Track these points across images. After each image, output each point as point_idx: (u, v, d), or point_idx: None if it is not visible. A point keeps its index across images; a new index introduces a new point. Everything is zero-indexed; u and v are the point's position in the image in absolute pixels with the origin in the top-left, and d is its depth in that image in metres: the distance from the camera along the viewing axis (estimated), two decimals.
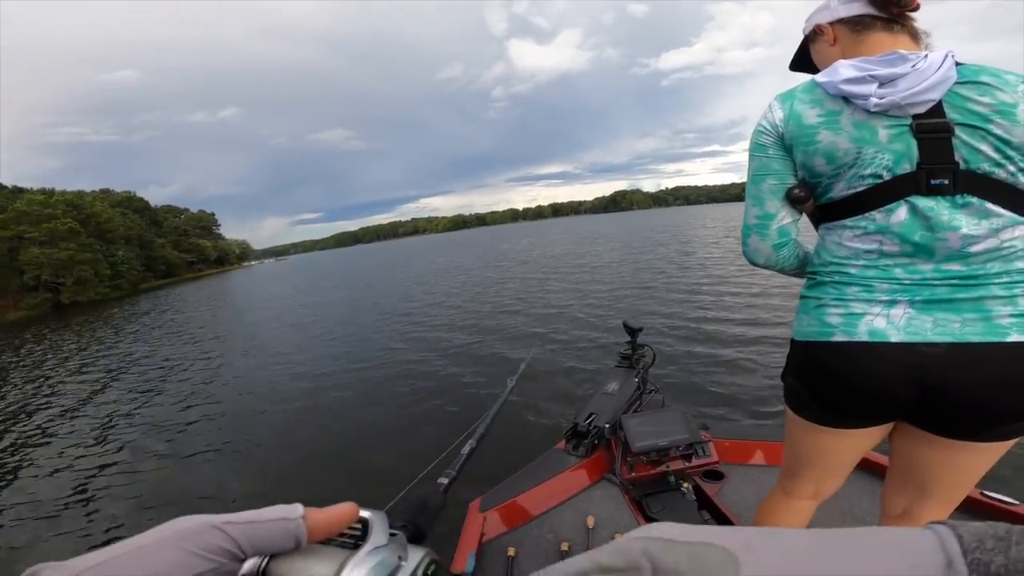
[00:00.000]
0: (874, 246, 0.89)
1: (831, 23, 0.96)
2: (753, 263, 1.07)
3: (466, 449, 0.58)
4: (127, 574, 0.24)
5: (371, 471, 3.78)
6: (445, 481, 0.45)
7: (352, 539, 0.31)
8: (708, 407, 4.14)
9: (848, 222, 0.91)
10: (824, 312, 0.93)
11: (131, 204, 62.92)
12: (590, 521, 1.72)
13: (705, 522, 1.71)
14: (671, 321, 7.31)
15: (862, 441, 1.00)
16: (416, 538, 0.35)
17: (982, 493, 1.52)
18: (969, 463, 0.92)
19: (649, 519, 1.73)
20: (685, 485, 1.87)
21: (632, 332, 2.64)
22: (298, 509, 0.30)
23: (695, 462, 1.92)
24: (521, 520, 1.79)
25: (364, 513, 0.32)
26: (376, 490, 3.37)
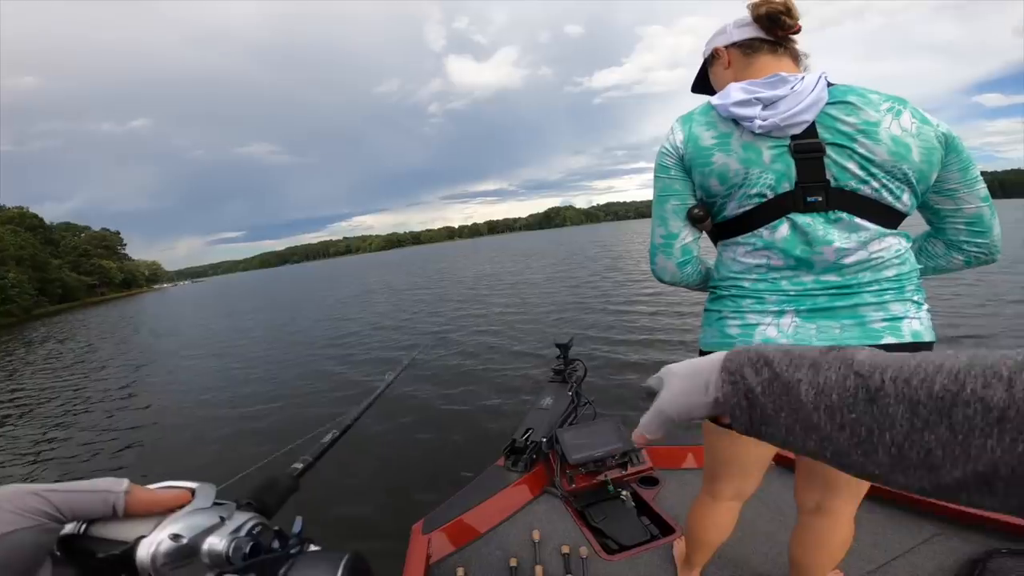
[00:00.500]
0: (763, 261, 0.94)
1: (726, 47, 0.99)
2: (660, 280, 1.09)
3: (327, 438, 0.58)
4: None
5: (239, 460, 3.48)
6: (300, 466, 0.45)
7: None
8: (640, 415, 4.26)
9: (740, 239, 0.96)
10: (724, 324, 0.98)
11: (23, 221, 56.01)
12: (536, 535, 1.73)
13: (646, 527, 1.77)
14: (601, 334, 7.43)
15: (768, 444, 1.09)
16: (262, 513, 0.37)
17: None
18: None
19: (593, 528, 1.79)
20: (624, 493, 1.90)
21: (563, 347, 2.70)
22: (123, 483, 0.33)
23: (631, 470, 1.97)
24: (468, 539, 1.80)
25: (190, 484, 0.34)
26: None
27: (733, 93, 0.88)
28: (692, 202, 0.99)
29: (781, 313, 0.92)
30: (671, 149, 0.97)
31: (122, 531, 0.31)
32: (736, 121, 0.89)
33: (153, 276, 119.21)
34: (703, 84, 1.12)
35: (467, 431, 4.51)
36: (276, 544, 0.33)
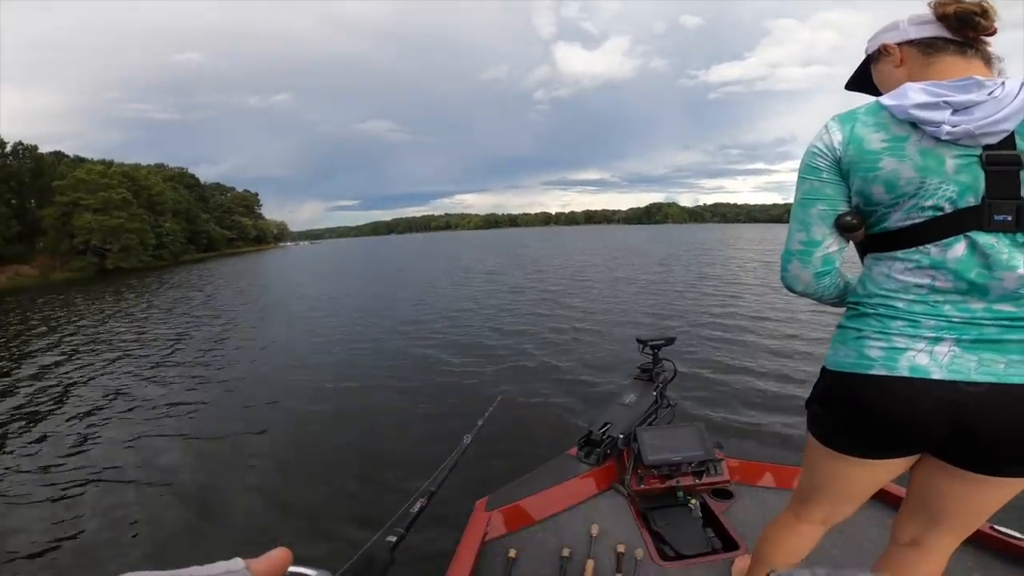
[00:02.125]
0: (926, 281, 0.86)
1: (899, 44, 0.92)
2: (791, 289, 1.05)
3: (416, 507, 0.60)
4: None
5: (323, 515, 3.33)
6: (394, 539, 0.45)
7: None
8: (723, 425, 4.16)
9: (900, 254, 0.89)
10: (864, 344, 0.91)
11: (182, 180, 65.38)
12: (594, 530, 1.72)
13: (708, 539, 1.74)
14: (696, 337, 7.29)
15: (883, 472, 1.00)
16: None
17: (992, 527, 1.52)
18: (988, 497, 0.93)
19: (653, 532, 1.77)
20: (693, 501, 1.86)
21: (655, 346, 2.64)
22: (239, 562, 0.30)
23: (705, 479, 1.91)
24: (525, 523, 1.80)
25: (306, 571, 0.32)
26: (321, 545, 3.08)
27: (912, 94, 0.81)
28: (843, 208, 0.93)
29: (937, 340, 0.85)
30: (825, 150, 0.91)
31: None
32: (914, 125, 0.82)
33: (280, 235, 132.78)
34: (860, 82, 1.05)
35: (543, 417, 4.66)
36: None
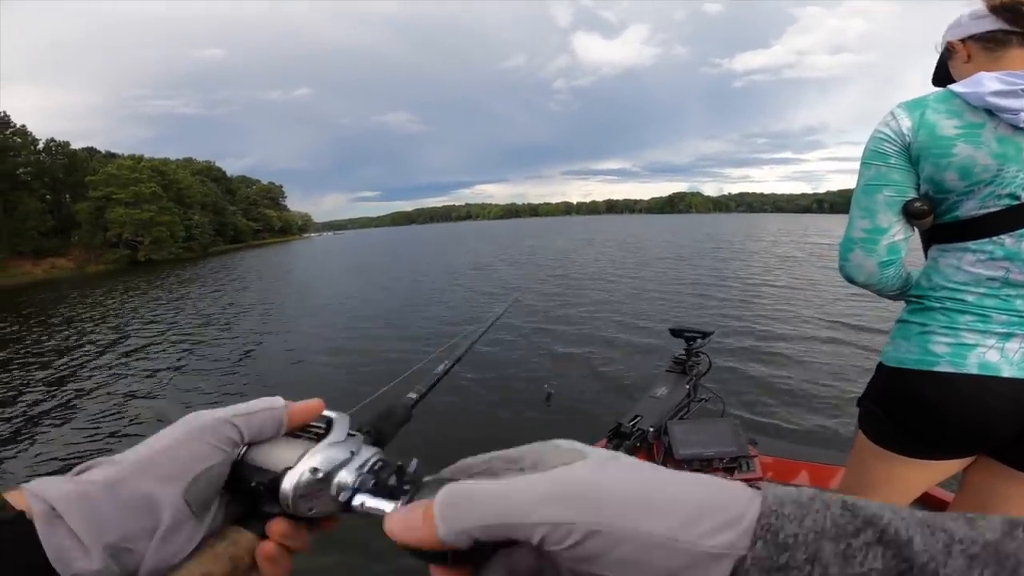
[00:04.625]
0: (999, 273, 0.83)
1: (962, 40, 0.91)
2: (851, 280, 1.00)
3: (440, 368, 0.55)
4: (166, 466, 0.28)
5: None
6: (414, 396, 0.46)
7: (316, 435, 0.35)
8: (758, 421, 4.03)
9: (972, 245, 0.86)
10: (929, 340, 0.88)
11: (210, 173, 66.79)
12: None
13: None
14: (732, 329, 7.09)
15: (936, 473, 0.97)
16: (376, 442, 0.38)
17: None
18: None
19: None
20: None
21: (690, 337, 2.54)
22: (279, 400, 0.34)
23: (737, 476, 1.80)
24: None
25: (329, 413, 0.36)
26: (352, 398, 3.74)
27: (988, 83, 0.80)
28: (911, 195, 0.91)
29: (1008, 336, 0.83)
30: (893, 135, 0.90)
31: (271, 458, 0.33)
32: (990, 112, 0.81)
33: (304, 226, 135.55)
34: (943, 78, 1.02)
35: (573, 407, 4.59)
36: (394, 480, 0.34)
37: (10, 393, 6.44)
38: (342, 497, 0.32)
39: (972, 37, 0.90)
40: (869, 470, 1.04)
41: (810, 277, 12.14)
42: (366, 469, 0.34)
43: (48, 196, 42.77)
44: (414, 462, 0.33)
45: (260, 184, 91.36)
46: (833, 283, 10.43)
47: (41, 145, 43.03)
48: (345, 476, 0.33)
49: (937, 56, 1.01)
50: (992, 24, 0.86)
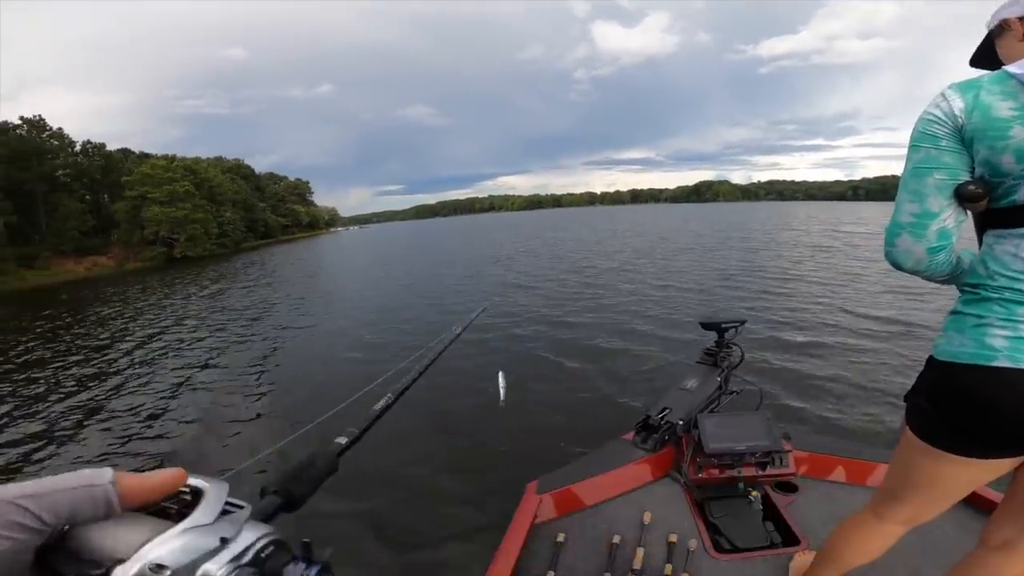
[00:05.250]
0: None
1: (1020, 17, 0.88)
2: (898, 266, 0.97)
3: (379, 405, 0.49)
4: None
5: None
6: (343, 441, 0.39)
7: (178, 509, 0.28)
8: (792, 415, 3.96)
9: None
10: (986, 332, 0.85)
11: (239, 171, 68.41)
12: (647, 517, 1.68)
13: (768, 533, 1.68)
14: (766, 320, 7.00)
15: (986, 473, 0.94)
16: (289, 506, 0.32)
17: None
18: None
19: (709, 523, 1.71)
20: (754, 493, 1.78)
21: (721, 329, 2.45)
22: (107, 474, 0.28)
23: (769, 471, 1.81)
24: (575, 507, 1.77)
25: (197, 482, 0.29)
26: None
27: None
28: (963, 178, 0.88)
29: None
30: (944, 117, 0.87)
31: (101, 544, 0.26)
32: None
33: (331, 220, 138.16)
34: (984, 59, 1.00)
35: (603, 399, 4.60)
36: (295, 569, 0.28)
37: (48, 387, 6.81)
38: None
39: None
40: (915, 468, 1.01)
41: (846, 268, 11.71)
42: (246, 559, 0.26)
43: (87, 196, 44.50)
44: (327, 551, 0.27)
45: (287, 180, 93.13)
46: (871, 274, 10.03)
47: (78, 147, 44.72)
48: (212, 570, 0.25)
49: (984, 35, 0.98)
50: None
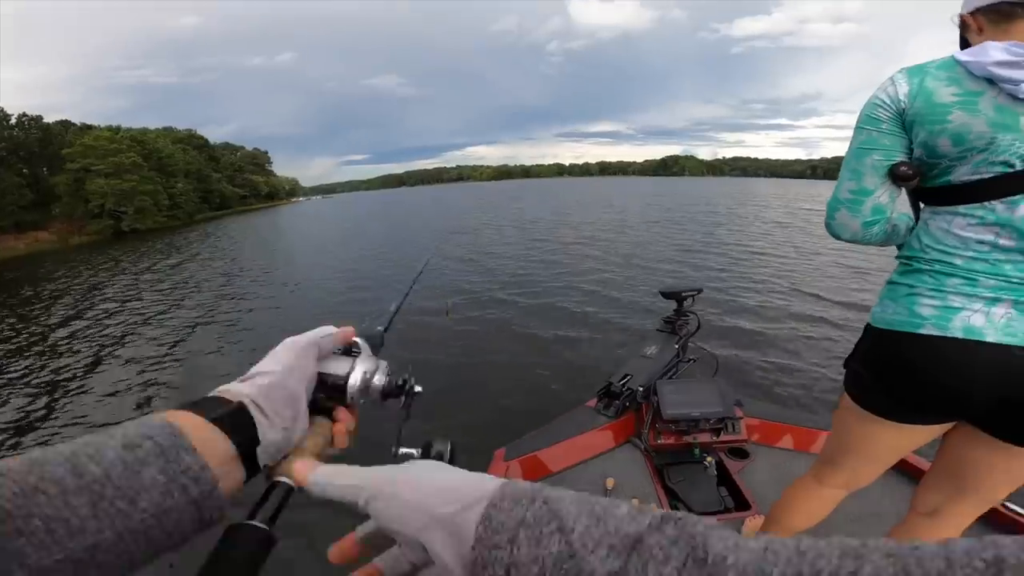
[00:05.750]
0: (989, 238, 0.85)
1: (972, 12, 0.91)
2: (837, 237, 1.03)
3: (393, 306, 0.63)
4: (299, 373, 0.39)
5: None
6: (382, 329, 0.56)
7: (352, 352, 0.47)
8: (743, 383, 4.20)
9: (963, 209, 0.87)
10: (916, 301, 0.90)
11: (191, 141, 64.64)
12: (609, 483, 1.74)
13: (722, 498, 1.74)
14: (721, 292, 7.30)
15: (916, 437, 0.99)
16: (375, 349, 0.50)
17: (1003, 505, 1.49)
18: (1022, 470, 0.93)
19: (668, 489, 1.76)
20: (708, 459, 1.85)
21: (679, 298, 2.52)
22: (332, 327, 0.46)
23: (723, 437, 1.88)
24: (541, 473, 1.83)
25: (356, 338, 0.48)
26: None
27: (993, 52, 0.81)
28: (899, 159, 0.93)
29: (995, 301, 0.84)
30: (888, 101, 0.91)
31: (335, 368, 0.44)
32: (990, 82, 0.82)
33: (292, 191, 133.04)
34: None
35: (567, 367, 4.75)
36: (400, 382, 0.47)
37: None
38: (374, 393, 0.45)
39: (980, 9, 0.89)
40: (850, 432, 1.06)
41: (800, 243, 12.14)
42: (387, 373, 0.47)
43: (25, 170, 41.34)
44: (408, 373, 0.48)
45: (245, 150, 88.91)
46: (823, 250, 10.44)
47: (13, 120, 41.37)
48: (379, 379, 0.46)
49: (957, 30, 1.00)
50: None
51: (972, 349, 0.83)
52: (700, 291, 2.55)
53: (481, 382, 4.43)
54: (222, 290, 10.38)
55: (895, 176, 0.93)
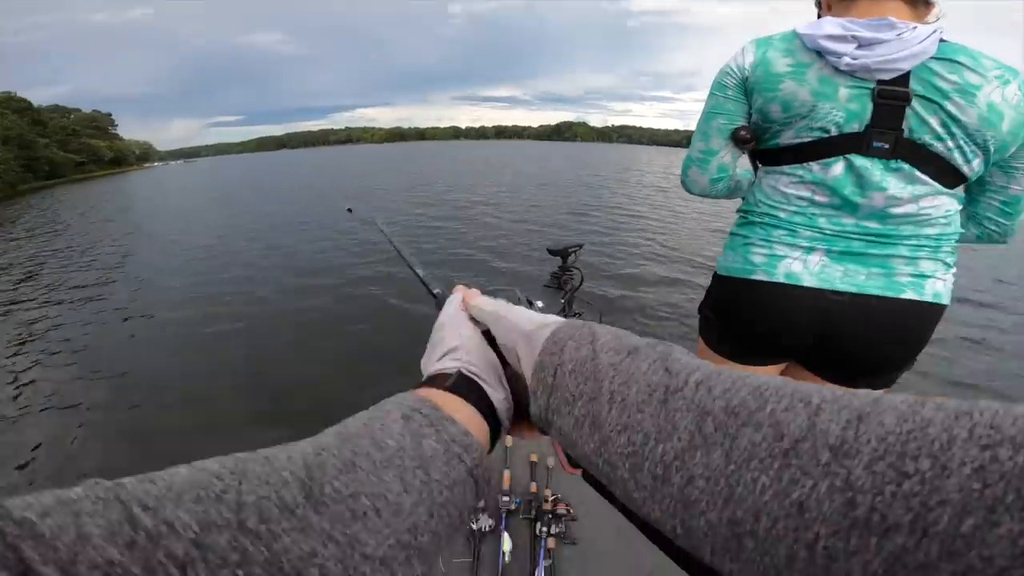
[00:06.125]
0: (806, 194, 0.93)
1: None
2: (688, 191, 1.12)
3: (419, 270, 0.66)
4: (481, 347, 0.41)
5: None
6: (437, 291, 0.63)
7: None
8: (626, 330, 4.43)
9: (787, 169, 0.95)
10: (749, 251, 0.99)
11: (8, 104, 53.99)
12: (508, 441, 1.81)
13: None
14: (606, 248, 7.66)
15: None
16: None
17: None
18: None
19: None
20: None
21: (562, 254, 2.59)
22: (457, 296, 0.48)
23: None
24: None
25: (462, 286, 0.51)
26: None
27: (827, 27, 0.86)
28: (741, 123, 0.99)
29: (811, 250, 0.93)
30: (736, 70, 0.96)
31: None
32: (820, 54, 0.88)
33: (144, 155, 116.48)
34: None
35: None
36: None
37: None
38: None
39: None
40: None
41: (672, 207, 13.10)
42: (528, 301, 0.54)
43: None
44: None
45: (81, 113, 76.03)
46: (691, 213, 11.41)
47: None
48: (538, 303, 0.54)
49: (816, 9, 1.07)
50: None
51: (792, 292, 0.93)
52: (582, 246, 2.64)
53: (375, 349, 4.28)
54: (37, 275, 8.31)
55: (735, 139, 1.00)
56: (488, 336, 0.43)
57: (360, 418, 0.28)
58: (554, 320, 0.36)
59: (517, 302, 0.48)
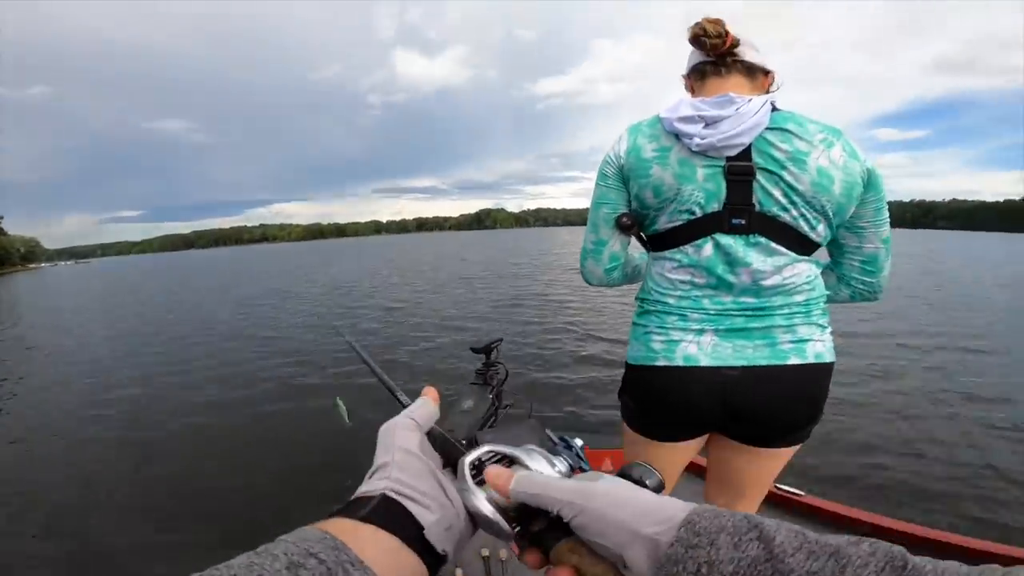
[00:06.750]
0: (687, 278, 0.96)
1: (686, 74, 1.03)
2: (588, 283, 1.13)
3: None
4: (413, 459, 0.37)
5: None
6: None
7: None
8: (556, 418, 4.51)
9: (667, 254, 0.98)
10: (650, 339, 1.00)
11: None
12: None
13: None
14: (528, 338, 7.76)
15: (683, 453, 1.10)
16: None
17: (776, 487, 1.83)
18: (767, 466, 1.06)
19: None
20: None
21: (485, 351, 2.69)
22: (419, 401, 0.47)
23: None
24: None
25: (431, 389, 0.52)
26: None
27: (681, 108, 0.90)
28: (623, 211, 1.01)
29: (702, 331, 0.95)
30: (613, 158, 0.99)
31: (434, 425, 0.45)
32: (677, 136, 0.90)
33: (29, 254, 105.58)
34: None
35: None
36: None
37: None
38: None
39: (689, 71, 1.01)
40: (635, 456, 1.13)
41: (592, 290, 13.93)
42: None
43: None
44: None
45: None
46: (608, 295, 12.14)
47: None
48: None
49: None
50: (698, 57, 0.97)
51: (693, 374, 0.95)
52: (501, 340, 2.81)
53: (310, 451, 4.13)
54: None
55: (618, 227, 1.02)
56: (434, 436, 0.41)
57: (240, 563, 0.24)
58: (676, 508, 0.29)
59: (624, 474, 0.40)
